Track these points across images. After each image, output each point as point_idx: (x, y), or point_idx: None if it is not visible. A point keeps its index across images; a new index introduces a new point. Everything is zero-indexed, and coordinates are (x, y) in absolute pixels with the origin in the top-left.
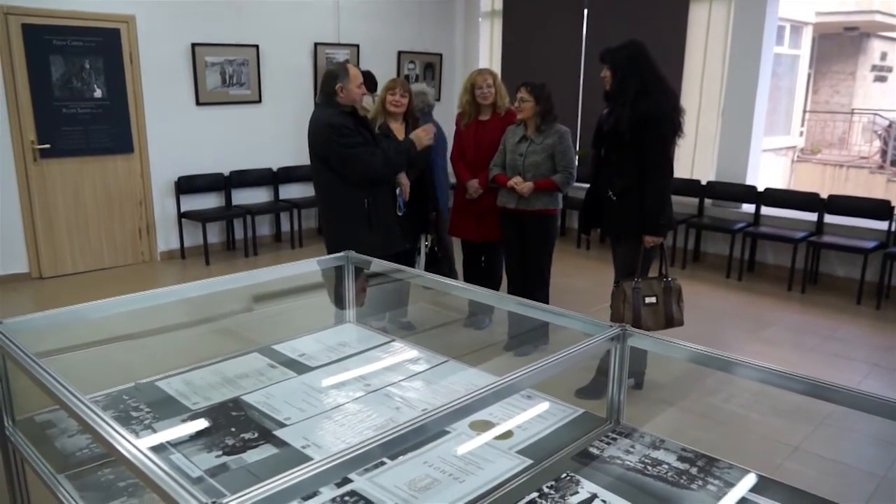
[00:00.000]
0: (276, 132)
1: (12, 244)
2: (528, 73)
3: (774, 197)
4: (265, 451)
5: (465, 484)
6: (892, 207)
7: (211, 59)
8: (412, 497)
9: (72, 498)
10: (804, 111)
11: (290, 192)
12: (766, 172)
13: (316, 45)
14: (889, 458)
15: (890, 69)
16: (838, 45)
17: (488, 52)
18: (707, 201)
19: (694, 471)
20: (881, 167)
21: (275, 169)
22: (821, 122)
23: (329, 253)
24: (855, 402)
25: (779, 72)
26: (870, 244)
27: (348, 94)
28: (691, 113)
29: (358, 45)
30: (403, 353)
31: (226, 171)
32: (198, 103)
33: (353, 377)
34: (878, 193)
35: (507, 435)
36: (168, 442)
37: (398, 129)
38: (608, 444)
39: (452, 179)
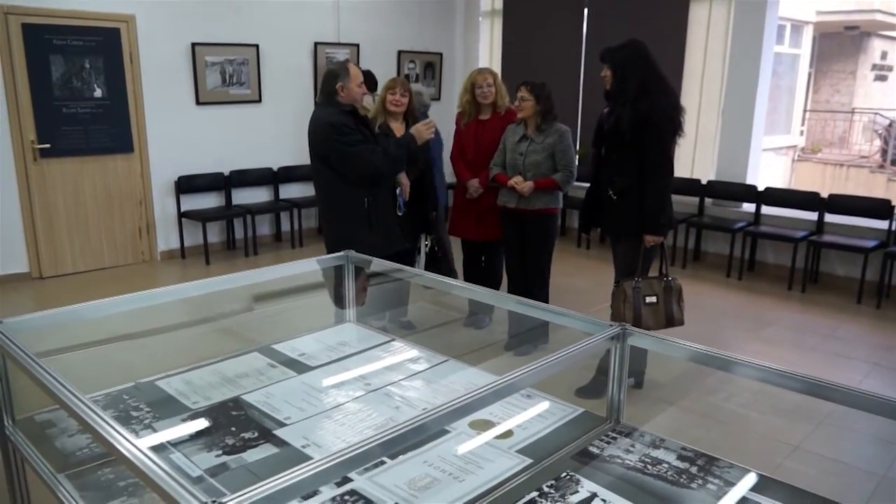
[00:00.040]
0: (276, 132)
1: (12, 244)
2: (528, 72)
3: (775, 196)
4: (265, 451)
5: (465, 483)
6: (893, 207)
7: (211, 59)
8: (412, 496)
9: (72, 497)
10: (804, 110)
11: (291, 191)
12: (767, 172)
13: (316, 44)
14: (889, 458)
15: (890, 68)
16: (839, 44)
17: (488, 52)
18: (707, 200)
19: (694, 470)
20: (881, 166)
21: (275, 168)
22: (821, 121)
23: (329, 252)
24: (855, 402)
25: (779, 71)
26: (870, 243)
27: (349, 94)
28: (691, 112)
29: (358, 45)
30: (403, 352)
31: (226, 170)
32: (198, 103)
33: (353, 376)
34: (878, 193)
35: (507, 434)
36: (168, 441)
37: (398, 128)
38: (608, 443)
39: (449, 179)
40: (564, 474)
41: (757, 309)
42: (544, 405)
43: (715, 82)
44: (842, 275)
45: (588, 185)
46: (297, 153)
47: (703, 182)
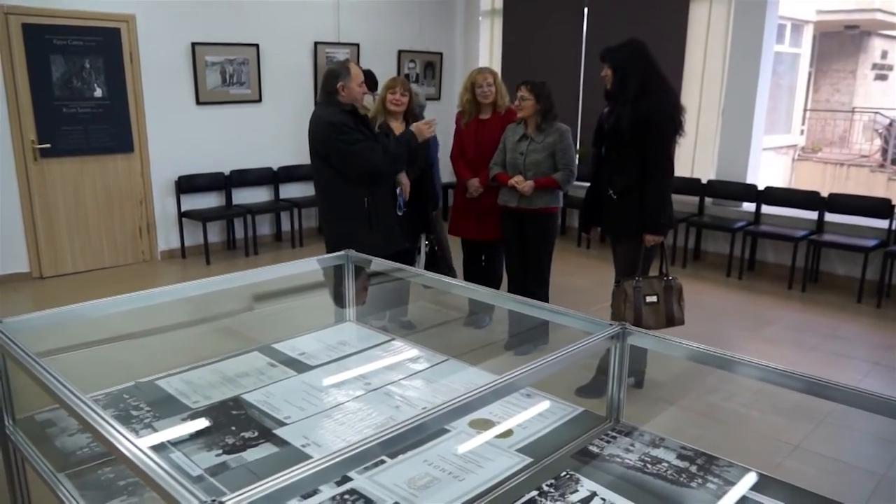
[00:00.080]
0: (276, 131)
1: (12, 244)
2: (528, 71)
3: (775, 195)
4: (265, 450)
5: (465, 482)
6: (893, 206)
7: (211, 59)
8: (412, 495)
9: (72, 497)
10: (805, 110)
11: (291, 191)
12: (767, 171)
13: (316, 44)
14: (889, 457)
15: (891, 67)
16: (839, 43)
17: (488, 51)
18: (707, 200)
19: (694, 469)
20: (882, 166)
21: (275, 168)
22: (821, 120)
23: (329, 252)
24: (855, 401)
25: (779, 70)
26: (870, 243)
27: (349, 93)
28: (692, 112)
29: (358, 45)
30: (403, 351)
31: (226, 170)
32: (198, 103)
33: (353, 376)
34: (878, 192)
35: (507, 433)
36: (168, 441)
37: (398, 128)
38: (608, 442)
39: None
40: (564, 473)
41: (757, 308)
42: (544, 404)
43: (715, 82)
44: (842, 274)
45: (588, 184)
46: (298, 153)
47: (704, 181)
